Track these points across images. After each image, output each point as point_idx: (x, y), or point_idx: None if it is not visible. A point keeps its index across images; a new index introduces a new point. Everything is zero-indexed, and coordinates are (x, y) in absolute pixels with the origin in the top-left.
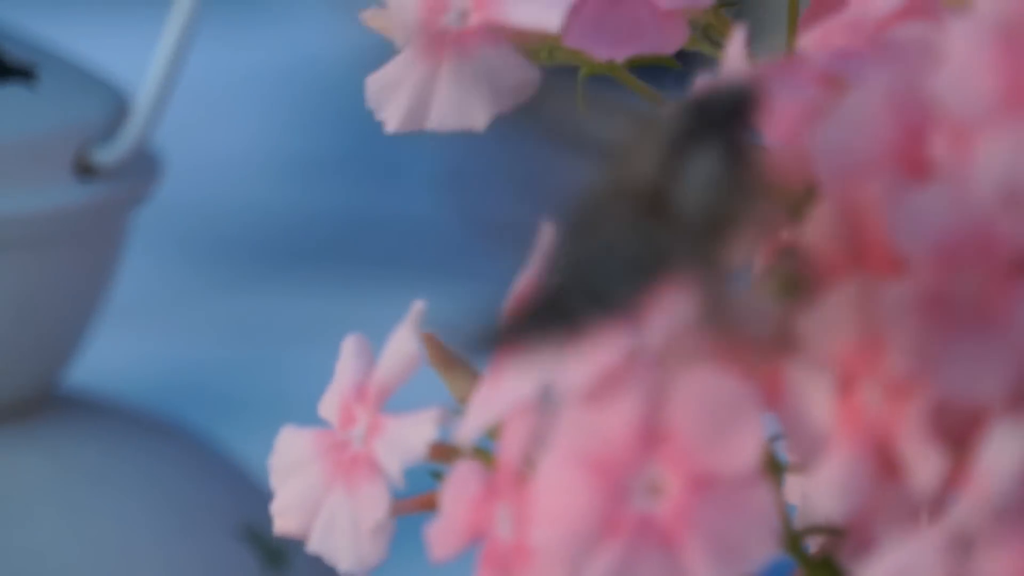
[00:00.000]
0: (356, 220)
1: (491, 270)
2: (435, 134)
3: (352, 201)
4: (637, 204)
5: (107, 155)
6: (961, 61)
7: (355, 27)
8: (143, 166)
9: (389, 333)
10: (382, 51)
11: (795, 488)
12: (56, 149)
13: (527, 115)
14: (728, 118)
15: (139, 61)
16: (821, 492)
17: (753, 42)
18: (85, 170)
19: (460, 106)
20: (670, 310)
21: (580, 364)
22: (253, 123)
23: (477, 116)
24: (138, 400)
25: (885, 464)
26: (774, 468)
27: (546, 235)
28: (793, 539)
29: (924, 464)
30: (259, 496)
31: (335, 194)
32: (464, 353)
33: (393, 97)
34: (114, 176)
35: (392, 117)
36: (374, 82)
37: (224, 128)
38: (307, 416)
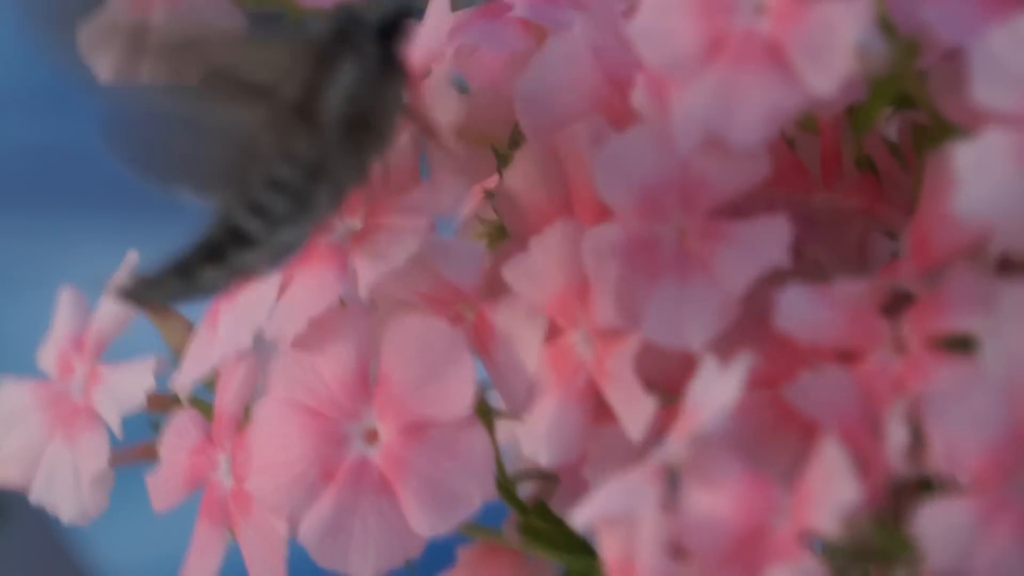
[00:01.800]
0: (53, 158)
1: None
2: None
3: (49, 138)
4: (288, 115)
5: None
6: (655, 7)
7: None
8: None
9: (96, 274)
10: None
11: (508, 433)
12: None
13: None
14: (377, 30)
15: None
16: (532, 438)
17: None
18: None
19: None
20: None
21: (294, 311)
22: None
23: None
24: None
25: (595, 409)
26: (487, 414)
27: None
28: (507, 484)
29: (634, 408)
30: None
31: (32, 130)
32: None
33: (106, 48)
34: None
35: (106, 67)
36: (88, 31)
37: None
38: (13, 366)
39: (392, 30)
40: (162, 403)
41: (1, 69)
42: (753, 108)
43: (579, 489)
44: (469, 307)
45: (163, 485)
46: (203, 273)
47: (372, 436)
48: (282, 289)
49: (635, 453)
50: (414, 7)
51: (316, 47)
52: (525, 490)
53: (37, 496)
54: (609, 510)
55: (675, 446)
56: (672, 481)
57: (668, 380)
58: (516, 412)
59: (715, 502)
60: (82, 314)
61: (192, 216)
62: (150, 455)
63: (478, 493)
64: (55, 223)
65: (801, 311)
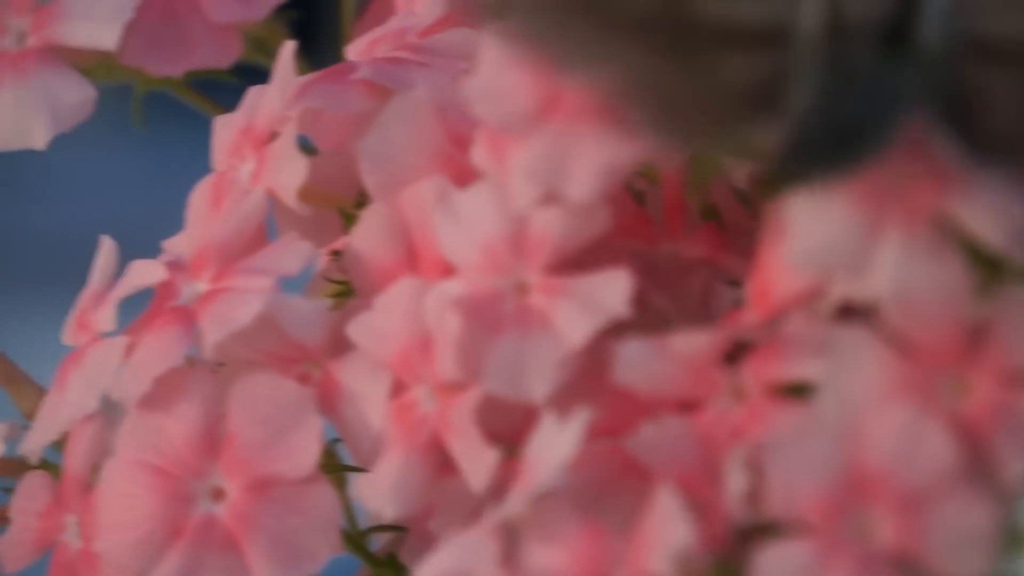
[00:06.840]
0: None
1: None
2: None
3: None
4: (874, 37)
5: None
6: (491, 66)
7: None
8: None
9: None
10: None
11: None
12: None
13: None
14: None
15: None
16: (378, 491)
17: (318, 52)
18: None
19: (20, 126)
20: None
21: (139, 372)
22: None
23: (37, 136)
24: None
25: (440, 462)
26: (337, 468)
27: None
28: (357, 537)
29: (476, 461)
30: None
31: None
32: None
33: None
34: None
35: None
36: None
37: None
38: None
39: None
40: (13, 468)
41: None
42: (587, 163)
43: (427, 541)
44: (315, 365)
45: (14, 548)
46: None
47: (219, 494)
48: (128, 351)
49: (481, 505)
50: None
51: None
52: (378, 543)
53: None
54: (450, 568)
55: (514, 501)
56: (513, 536)
57: (513, 433)
58: (364, 466)
59: (554, 557)
60: None
61: None
62: (1, 520)
63: (324, 549)
64: None
65: (640, 363)
